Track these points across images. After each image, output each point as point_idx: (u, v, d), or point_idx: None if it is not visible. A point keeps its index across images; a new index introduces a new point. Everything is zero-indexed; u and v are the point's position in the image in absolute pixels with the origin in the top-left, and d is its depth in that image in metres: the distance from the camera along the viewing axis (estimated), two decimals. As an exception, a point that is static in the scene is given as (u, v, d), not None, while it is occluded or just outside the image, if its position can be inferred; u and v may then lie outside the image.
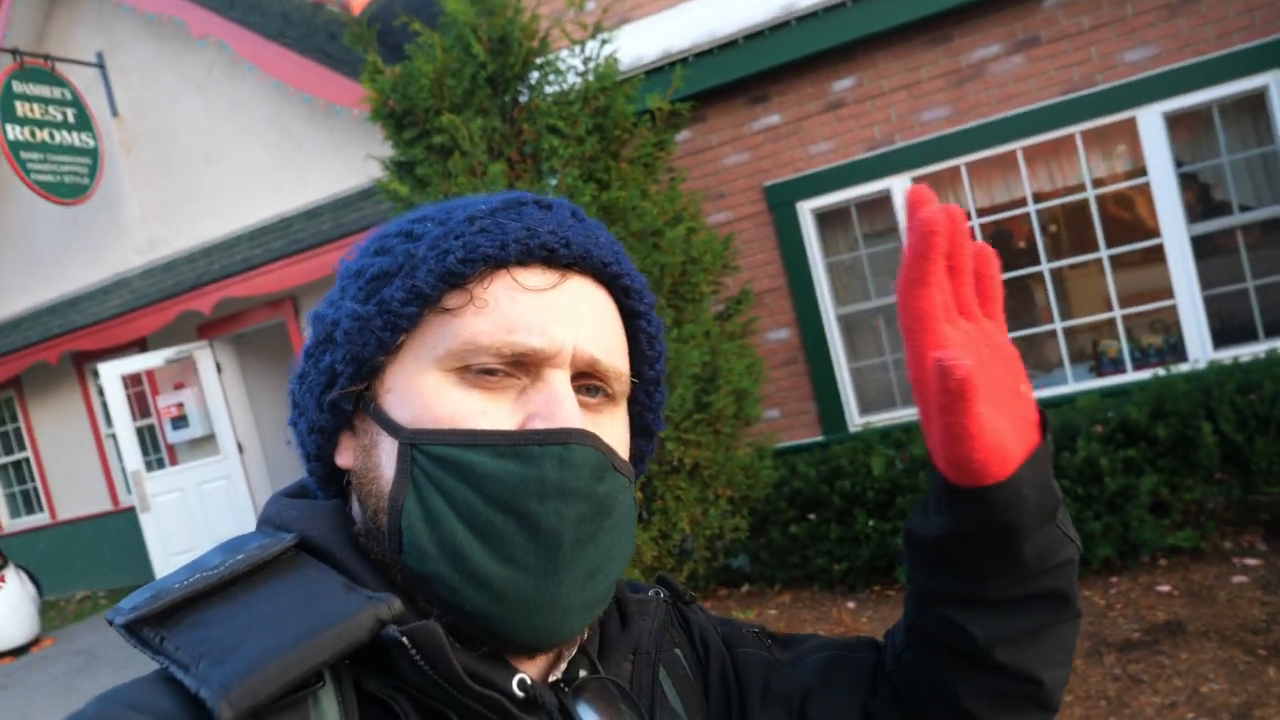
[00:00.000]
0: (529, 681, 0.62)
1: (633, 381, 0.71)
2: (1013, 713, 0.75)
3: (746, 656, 0.84)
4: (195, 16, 7.95)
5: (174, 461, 9.43)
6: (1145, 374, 5.07)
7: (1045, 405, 5.12)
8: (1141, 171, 5.10)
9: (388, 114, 4.75)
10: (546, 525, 0.59)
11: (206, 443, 9.27)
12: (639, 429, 0.75)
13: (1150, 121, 5.01)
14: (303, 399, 0.68)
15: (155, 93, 8.89)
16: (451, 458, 0.60)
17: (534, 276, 0.63)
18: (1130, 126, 5.09)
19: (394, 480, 0.61)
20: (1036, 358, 5.69)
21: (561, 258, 0.64)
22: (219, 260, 8.28)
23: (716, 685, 0.82)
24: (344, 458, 0.67)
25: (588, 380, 0.65)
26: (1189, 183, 5.19)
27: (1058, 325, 5.42)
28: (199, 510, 8.88)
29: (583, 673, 0.67)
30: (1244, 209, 5.06)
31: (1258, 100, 4.91)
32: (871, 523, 4.98)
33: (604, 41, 4.77)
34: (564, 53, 4.89)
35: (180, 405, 9.12)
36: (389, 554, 0.62)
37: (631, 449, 0.73)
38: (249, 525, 8.86)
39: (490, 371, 0.62)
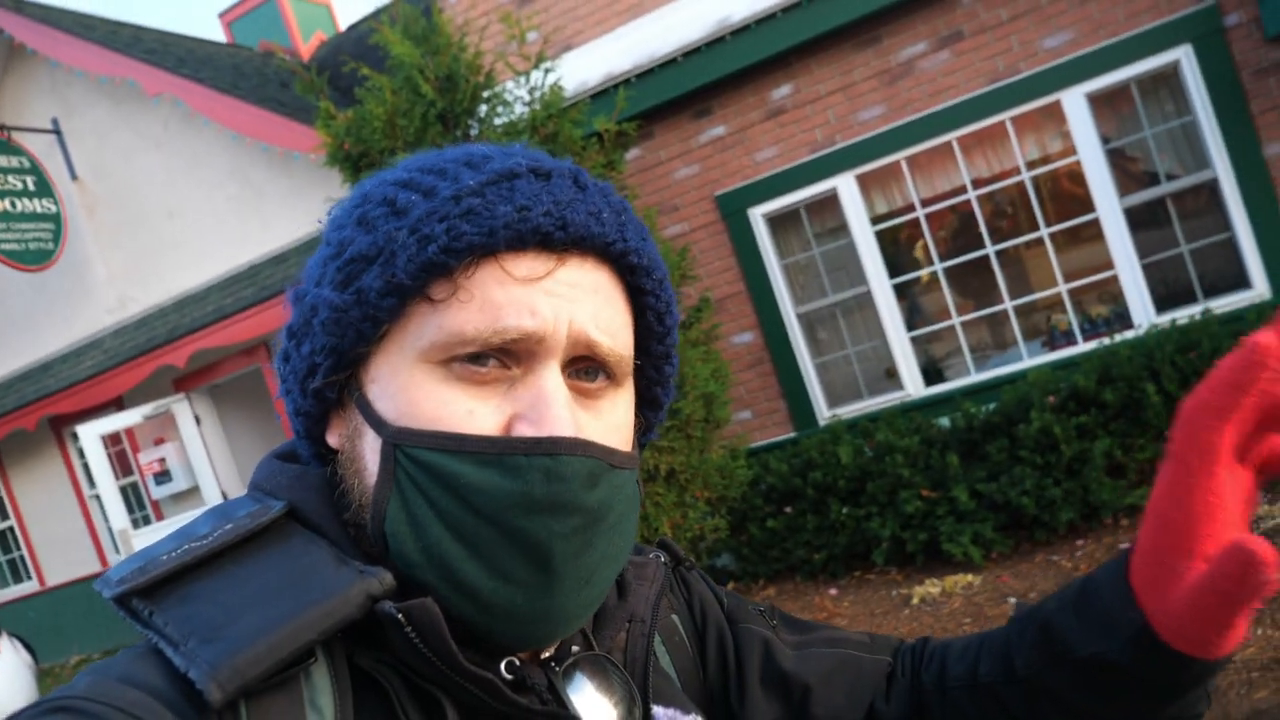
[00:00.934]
0: (517, 664, 0.61)
1: (637, 363, 0.66)
2: None
3: (749, 633, 0.82)
4: (147, 76, 8.07)
5: (160, 517, 9.47)
6: (1095, 344, 5.28)
7: (1001, 383, 5.35)
8: (1072, 151, 5.34)
9: (344, 157, 4.90)
10: (535, 540, 0.56)
11: (191, 495, 9.32)
12: (646, 401, 0.71)
13: (1074, 103, 5.25)
14: (287, 379, 0.65)
15: (113, 153, 9.00)
16: (435, 465, 0.57)
17: (525, 264, 0.58)
18: (1056, 109, 5.32)
19: (378, 479, 0.59)
20: (992, 337, 5.89)
21: (558, 241, 0.59)
22: (190, 313, 8.37)
23: (714, 655, 0.80)
24: (333, 437, 0.65)
25: (586, 363, 0.61)
26: (1117, 158, 5.43)
27: (1008, 304, 5.63)
28: (190, 562, 8.91)
29: (575, 648, 0.65)
30: (1170, 178, 5.30)
31: (1172, 74, 5.16)
32: (845, 510, 5.15)
33: (547, 70, 4.94)
34: (510, 84, 5.06)
35: (162, 460, 9.17)
36: (375, 550, 0.60)
37: (638, 422, 0.69)
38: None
39: (478, 359, 0.58)
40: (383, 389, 0.60)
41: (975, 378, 5.65)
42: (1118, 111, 5.36)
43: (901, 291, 5.81)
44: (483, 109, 4.93)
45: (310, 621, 0.53)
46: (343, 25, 12.68)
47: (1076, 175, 5.43)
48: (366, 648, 0.58)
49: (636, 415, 0.68)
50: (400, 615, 0.54)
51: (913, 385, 5.77)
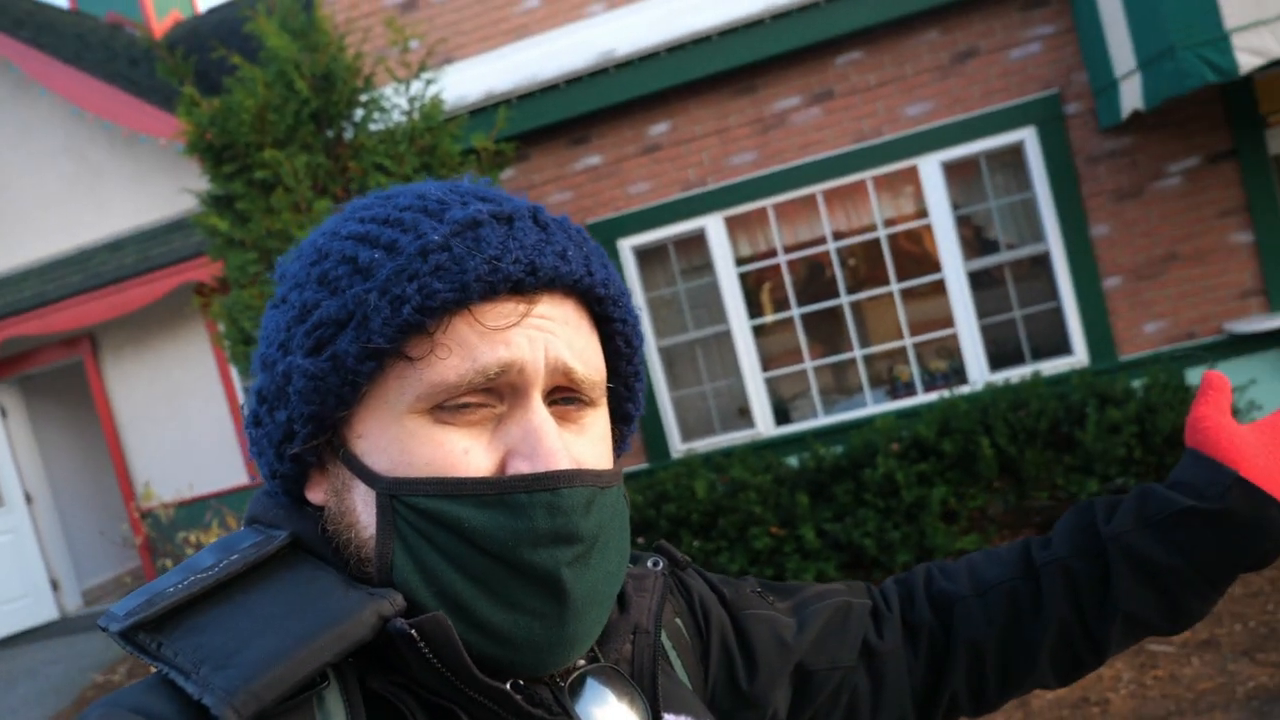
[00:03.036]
0: (522, 683, 0.61)
1: (610, 386, 0.69)
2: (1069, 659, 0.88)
3: (752, 618, 0.86)
4: (-23, 35, 7.42)
5: (-52, 516, 8.59)
6: (934, 396, 5.62)
7: (847, 427, 5.59)
8: (924, 213, 5.69)
9: (205, 147, 4.65)
10: (545, 572, 0.57)
11: (-12, 494, 8.51)
12: (619, 416, 0.73)
13: (930, 169, 5.60)
14: (260, 443, 0.65)
15: (-73, 115, 8.19)
16: (436, 511, 0.57)
17: (498, 312, 0.59)
18: (913, 173, 5.67)
19: (377, 533, 0.59)
20: (839, 382, 6.17)
21: (529, 285, 0.60)
22: (5, 295, 7.69)
23: (717, 651, 0.83)
24: (315, 494, 0.64)
25: (565, 392, 0.63)
26: (964, 223, 5.82)
27: (857, 353, 5.91)
28: (-19, 568, 8.13)
29: (581, 663, 0.66)
30: (1009, 247, 5.73)
31: (1017, 152, 5.59)
32: (696, 543, 5.24)
33: (429, 81, 4.87)
34: (388, 90, 4.94)
35: (-43, 454, 8.33)
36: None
37: (612, 434, 0.71)
38: (41, 582, 8.13)
39: (464, 405, 0.59)
40: (372, 444, 0.60)
41: (823, 420, 5.89)
42: (967, 181, 5.75)
43: (759, 332, 6.00)
44: (359, 113, 4.80)
45: (323, 644, 0.53)
46: (202, 7, 12.05)
47: (926, 236, 5.78)
48: (378, 669, 0.58)
49: (611, 428, 0.70)
50: (413, 630, 0.55)
51: (764, 424, 5.95)
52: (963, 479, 4.98)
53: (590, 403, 0.64)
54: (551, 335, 0.60)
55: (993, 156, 5.64)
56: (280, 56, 4.57)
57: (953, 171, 5.69)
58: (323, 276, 0.61)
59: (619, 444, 0.74)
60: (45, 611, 8.36)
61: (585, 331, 0.64)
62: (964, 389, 5.53)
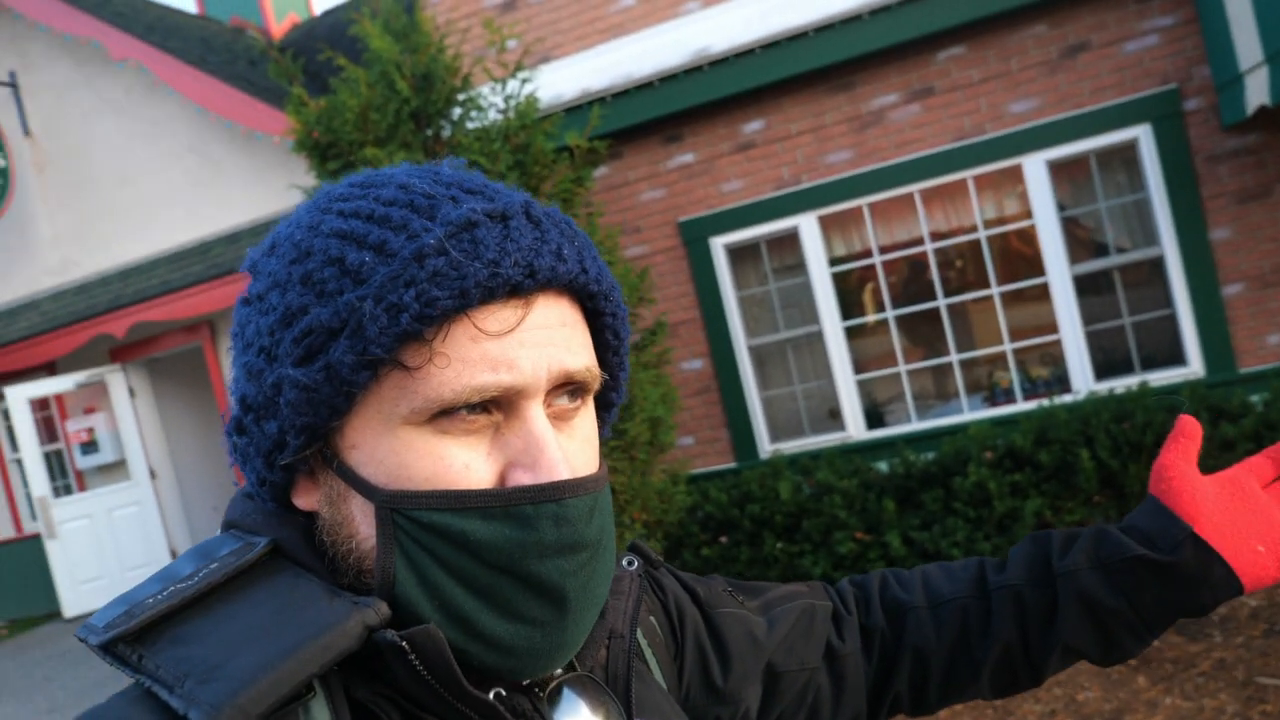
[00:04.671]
0: (504, 693, 0.62)
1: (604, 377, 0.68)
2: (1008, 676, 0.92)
3: (725, 616, 0.87)
4: (114, 39, 7.89)
5: (82, 487, 9.21)
6: (1033, 404, 5.41)
7: (940, 433, 5.44)
8: (1028, 214, 5.47)
9: (312, 145, 4.84)
10: (551, 582, 0.57)
11: (117, 468, 9.08)
12: (602, 404, 0.73)
13: (1035, 168, 5.39)
14: (245, 451, 0.63)
15: (70, 114, 8.77)
16: (440, 524, 0.56)
17: (496, 316, 0.57)
18: (1017, 172, 5.46)
19: (378, 546, 0.58)
20: (935, 387, 6.00)
21: (527, 288, 0.58)
22: (134, 283, 8.18)
23: (692, 649, 0.84)
24: (304, 500, 0.63)
25: (564, 389, 0.62)
26: (1071, 225, 5.58)
27: (954, 357, 5.74)
28: (109, 537, 8.69)
29: (559, 671, 0.66)
30: (1119, 250, 5.47)
31: (1130, 150, 5.33)
32: (779, 545, 5.20)
33: (524, 80, 4.95)
34: (485, 89, 5.05)
35: (90, 430, 8.93)
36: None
37: (598, 421, 0.72)
38: (161, 552, 8.64)
39: (462, 415, 0.58)
40: (368, 455, 0.58)
41: (916, 425, 5.75)
42: (1075, 181, 5.51)
43: (852, 333, 5.90)
44: (456, 111, 4.92)
45: (310, 655, 0.52)
46: (317, 10, 12.55)
47: (1030, 238, 5.57)
48: (363, 679, 0.58)
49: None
50: (404, 643, 0.54)
51: (855, 427, 5.85)
52: (1060, 491, 4.79)
53: (585, 394, 0.64)
54: (551, 345, 0.59)
55: (1103, 155, 5.39)
56: (383, 58, 4.72)
57: (1059, 171, 5.46)
58: (306, 277, 0.59)
59: (601, 430, 0.73)
60: (165, 581, 8.88)
61: (580, 327, 0.63)
62: (1066, 398, 5.31)
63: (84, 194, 8.80)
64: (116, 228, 8.67)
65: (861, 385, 5.88)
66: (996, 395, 5.76)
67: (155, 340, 8.62)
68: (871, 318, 5.88)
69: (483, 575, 0.57)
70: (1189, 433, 0.87)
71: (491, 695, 0.61)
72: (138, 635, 0.53)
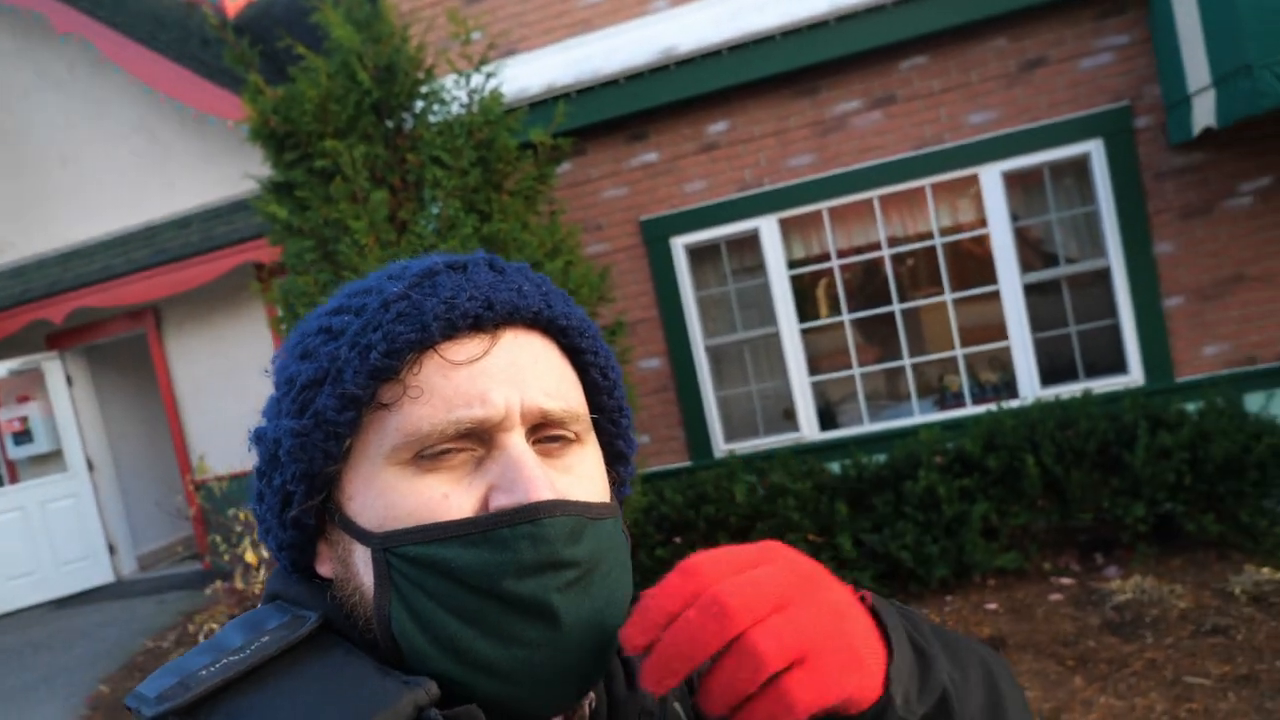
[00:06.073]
0: None
1: (594, 417, 0.69)
2: None
3: None
4: (59, 12, 7.62)
5: (14, 479, 8.91)
6: (983, 409, 5.53)
7: (892, 435, 5.53)
8: (982, 223, 5.59)
9: (268, 134, 4.74)
10: (535, 599, 0.58)
11: (53, 459, 8.81)
12: (612, 455, 0.73)
13: (991, 178, 5.51)
14: (265, 518, 0.66)
15: (7, 88, 8.45)
16: (425, 557, 0.58)
17: (462, 349, 0.61)
18: (973, 182, 5.57)
19: (375, 588, 0.60)
20: (888, 389, 6.10)
21: (488, 320, 0.62)
22: (74, 268, 7.94)
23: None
24: (324, 567, 0.65)
25: (546, 430, 0.63)
26: (1023, 235, 5.71)
27: (906, 360, 5.85)
28: (42, 531, 8.43)
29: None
30: (1068, 261, 5.61)
31: (1082, 164, 5.47)
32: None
33: (489, 75, 4.90)
34: (448, 81, 4.99)
35: (24, 419, 8.64)
36: (392, 659, 0.61)
37: (611, 477, 0.72)
38: (99, 547, 8.39)
39: (442, 451, 0.60)
40: (361, 503, 0.61)
41: (868, 427, 5.84)
42: (1028, 192, 5.64)
43: (808, 335, 5.96)
44: (419, 104, 4.85)
45: None
46: (273, -12, 12.22)
47: (983, 246, 5.68)
48: None
49: (607, 471, 0.70)
50: None
51: (808, 427, 5.92)
52: (1006, 496, 4.91)
53: (575, 439, 0.65)
54: (523, 381, 0.61)
55: (1057, 168, 5.52)
56: (344, 47, 4.64)
57: (1014, 182, 5.58)
58: (303, 351, 0.65)
59: (619, 487, 0.73)
60: (102, 574, 8.65)
61: (557, 365, 0.65)
62: (1013, 403, 5.44)
63: (22, 173, 8.50)
64: (56, 209, 8.39)
65: (816, 386, 5.95)
66: (946, 399, 5.88)
67: (96, 327, 8.37)
68: (827, 320, 5.96)
69: (470, 602, 0.57)
70: None
71: None
72: (190, 709, 0.54)
